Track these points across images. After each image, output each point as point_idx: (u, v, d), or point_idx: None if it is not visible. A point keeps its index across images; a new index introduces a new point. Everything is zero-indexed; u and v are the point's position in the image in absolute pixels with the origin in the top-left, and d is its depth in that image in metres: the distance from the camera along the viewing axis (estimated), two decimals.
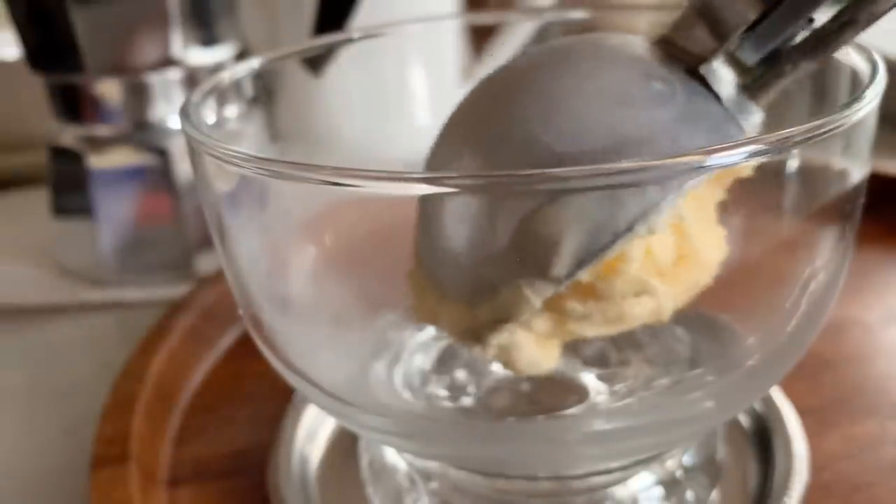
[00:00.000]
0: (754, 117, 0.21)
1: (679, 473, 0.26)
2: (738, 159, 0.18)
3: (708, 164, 0.18)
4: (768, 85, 0.21)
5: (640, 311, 0.21)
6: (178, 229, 0.44)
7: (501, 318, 0.20)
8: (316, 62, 0.33)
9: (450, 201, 0.21)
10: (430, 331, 0.30)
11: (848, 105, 0.19)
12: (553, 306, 0.21)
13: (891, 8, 0.19)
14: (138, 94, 0.43)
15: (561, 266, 0.19)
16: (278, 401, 0.32)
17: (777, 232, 0.23)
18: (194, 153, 0.22)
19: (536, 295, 0.20)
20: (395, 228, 0.23)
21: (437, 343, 0.30)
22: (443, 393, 0.28)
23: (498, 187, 0.18)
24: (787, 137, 0.18)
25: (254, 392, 0.34)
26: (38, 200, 0.49)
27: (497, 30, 0.47)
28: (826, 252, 0.23)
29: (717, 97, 0.20)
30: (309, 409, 0.31)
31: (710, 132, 0.20)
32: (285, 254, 0.26)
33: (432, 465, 0.27)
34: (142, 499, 0.27)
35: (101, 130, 0.44)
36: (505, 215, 0.20)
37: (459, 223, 0.21)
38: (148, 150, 0.43)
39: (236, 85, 0.28)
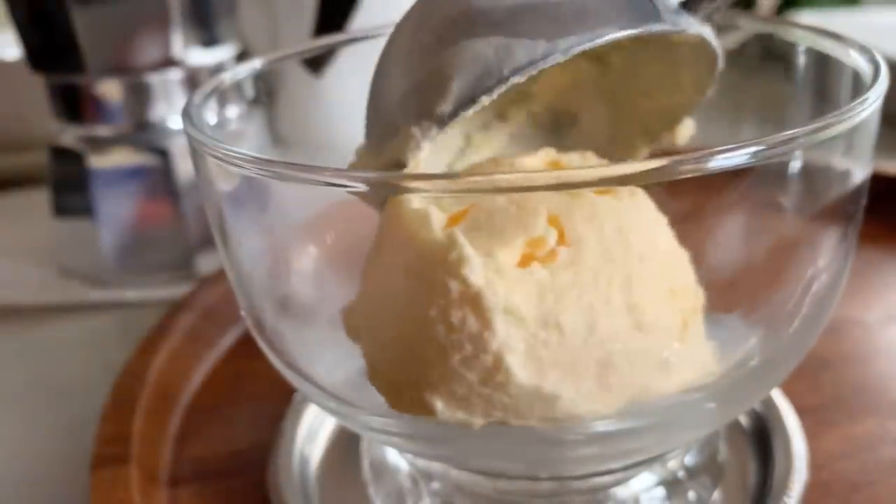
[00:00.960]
0: (691, 27, 0.22)
1: (681, 474, 0.27)
2: (741, 160, 0.18)
3: (711, 165, 0.18)
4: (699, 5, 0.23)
5: None
6: (179, 229, 0.44)
7: (396, 161, 0.21)
8: (316, 63, 0.33)
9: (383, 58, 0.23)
10: None
11: (850, 106, 0.19)
12: None
13: None
14: (138, 94, 0.43)
15: (445, 105, 0.20)
16: (278, 401, 0.32)
17: (780, 233, 0.23)
18: (196, 154, 0.22)
19: (423, 133, 0.21)
20: None
21: None
22: None
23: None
24: (789, 138, 0.18)
25: (254, 392, 0.34)
26: (38, 200, 0.49)
27: None
28: (828, 253, 0.23)
29: None
30: (309, 409, 0.31)
31: (622, 10, 0.21)
32: (287, 254, 0.26)
33: (434, 465, 0.27)
34: (142, 499, 0.27)
35: (101, 130, 0.44)
36: (413, 61, 0.22)
37: (384, 76, 0.23)
38: (148, 150, 0.43)
39: (237, 86, 0.28)
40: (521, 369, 0.20)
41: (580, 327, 0.20)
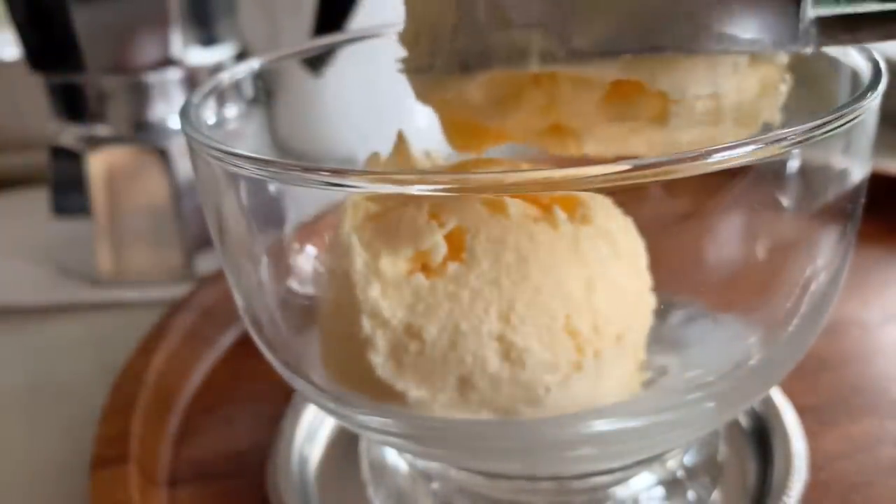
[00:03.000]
0: (806, 48, 0.20)
1: (680, 473, 0.26)
2: (741, 157, 0.18)
3: (710, 162, 0.18)
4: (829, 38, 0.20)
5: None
6: (178, 229, 0.44)
7: (492, 56, 0.19)
8: (316, 62, 0.33)
9: None
10: None
11: (849, 105, 0.19)
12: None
13: None
14: (138, 94, 0.43)
15: (584, 40, 0.18)
16: (278, 401, 0.32)
17: (778, 232, 0.23)
18: (194, 154, 0.22)
19: (539, 50, 0.19)
20: None
21: None
22: None
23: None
24: (787, 137, 0.18)
25: (253, 392, 0.34)
26: (38, 200, 0.49)
27: None
28: (827, 252, 0.23)
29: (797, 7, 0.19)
30: (308, 409, 0.31)
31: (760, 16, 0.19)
32: (285, 254, 0.26)
33: (433, 465, 0.27)
34: (141, 499, 0.27)
35: (101, 130, 0.44)
36: None
37: None
38: (148, 150, 0.43)
39: (236, 85, 0.28)
40: (381, 366, 0.21)
41: (442, 342, 0.21)
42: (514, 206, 0.22)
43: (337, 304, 0.22)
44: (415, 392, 0.21)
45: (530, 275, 0.21)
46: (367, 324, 0.21)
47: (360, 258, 0.21)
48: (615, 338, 0.22)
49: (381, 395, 0.22)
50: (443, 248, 0.21)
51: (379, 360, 0.21)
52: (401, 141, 0.25)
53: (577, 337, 0.21)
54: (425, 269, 0.21)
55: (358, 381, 0.22)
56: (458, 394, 0.21)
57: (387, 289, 0.21)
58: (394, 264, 0.21)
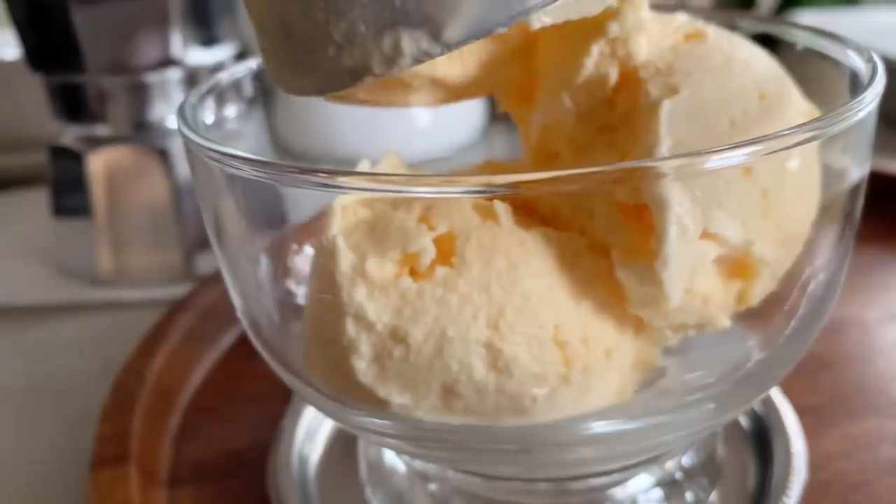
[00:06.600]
0: None
1: (678, 475, 0.26)
2: (739, 160, 0.18)
3: (707, 165, 0.18)
4: None
5: None
6: (179, 229, 0.44)
7: (359, 67, 0.18)
8: None
9: None
10: None
11: (847, 106, 0.19)
12: None
13: None
14: (138, 94, 0.43)
15: (455, 30, 0.18)
16: (278, 401, 0.32)
17: None
18: (190, 154, 0.22)
19: (416, 48, 0.18)
20: None
21: None
22: None
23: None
24: (786, 137, 0.18)
25: (253, 392, 0.34)
26: (38, 200, 0.49)
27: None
28: (826, 252, 0.23)
29: None
30: (309, 409, 0.31)
31: None
32: (283, 255, 0.26)
33: (431, 466, 0.27)
34: (141, 499, 0.27)
35: (101, 130, 0.44)
36: None
37: None
38: (148, 150, 0.43)
39: (235, 85, 0.28)
40: (363, 371, 0.21)
41: (428, 347, 0.20)
42: (506, 212, 0.21)
43: (321, 307, 0.22)
44: (398, 398, 0.21)
45: (520, 281, 0.20)
46: (351, 327, 0.20)
47: (346, 259, 0.21)
48: (604, 353, 0.21)
49: (363, 400, 0.21)
50: (431, 251, 0.20)
51: (362, 364, 0.21)
52: (390, 153, 0.25)
53: (566, 348, 0.21)
54: (413, 273, 0.21)
55: (341, 387, 0.22)
56: (442, 402, 0.21)
57: (373, 291, 0.20)
58: (381, 266, 0.21)
